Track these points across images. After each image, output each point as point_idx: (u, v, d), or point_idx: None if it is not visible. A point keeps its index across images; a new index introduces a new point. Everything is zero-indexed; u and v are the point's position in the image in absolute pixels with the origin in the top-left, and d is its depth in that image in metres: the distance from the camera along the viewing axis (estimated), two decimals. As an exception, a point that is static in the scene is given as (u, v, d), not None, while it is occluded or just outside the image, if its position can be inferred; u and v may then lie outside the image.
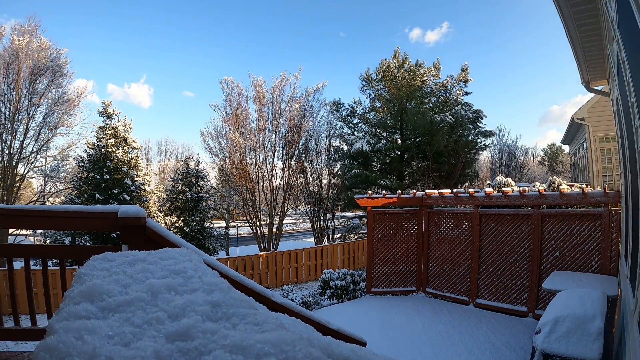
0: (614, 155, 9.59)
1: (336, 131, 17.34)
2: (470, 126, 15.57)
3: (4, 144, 12.00)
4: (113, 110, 13.18)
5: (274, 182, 16.07)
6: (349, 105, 17.21)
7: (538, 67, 50.31)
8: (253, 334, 0.67)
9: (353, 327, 3.05)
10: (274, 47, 43.89)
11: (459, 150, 14.71)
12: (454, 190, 7.33)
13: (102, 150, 12.52)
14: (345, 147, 16.42)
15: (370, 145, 14.69)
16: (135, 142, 13.54)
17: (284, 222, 17.49)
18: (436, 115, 14.41)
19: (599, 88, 6.34)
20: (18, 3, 23.84)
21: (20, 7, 26.20)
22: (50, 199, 14.69)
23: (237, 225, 21.82)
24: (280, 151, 16.34)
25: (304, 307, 4.10)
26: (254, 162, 15.83)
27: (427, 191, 7.76)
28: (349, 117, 17.19)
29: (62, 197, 14.19)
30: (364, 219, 14.81)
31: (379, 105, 16.61)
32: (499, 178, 7.92)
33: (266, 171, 16.04)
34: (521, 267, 6.20)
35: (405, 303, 7.12)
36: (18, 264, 2.46)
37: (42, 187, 15.06)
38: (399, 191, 8.31)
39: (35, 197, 15.38)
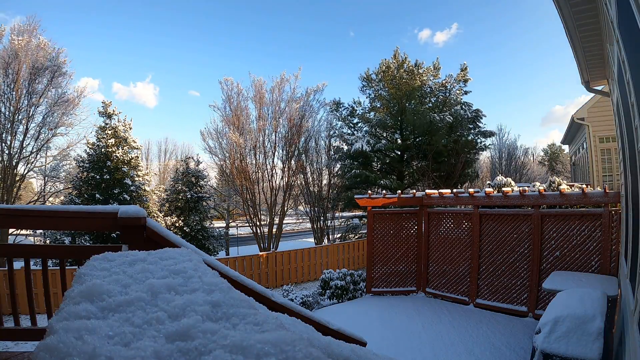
0: (614, 155, 9.59)
1: (336, 131, 17.36)
2: (470, 126, 15.58)
3: (4, 144, 12.00)
4: (113, 110, 13.18)
5: (274, 182, 16.07)
6: (349, 105, 17.23)
7: (539, 66, 50.27)
8: (253, 334, 0.67)
9: (353, 327, 3.05)
10: (275, 46, 43.96)
11: (459, 150, 14.72)
12: (454, 190, 7.33)
13: (102, 150, 12.52)
14: (345, 147, 16.43)
15: (370, 145, 14.70)
16: (135, 142, 13.54)
17: (284, 222, 17.49)
18: (436, 115, 14.42)
19: (599, 88, 6.34)
20: (21, 1, 23.88)
21: (23, 5, 26.30)
22: (50, 199, 14.69)
23: (237, 225, 21.82)
24: (280, 151, 16.37)
25: (304, 307, 4.10)
26: (254, 162, 15.83)
27: (427, 191, 7.76)
28: (349, 117, 17.20)
29: (62, 197, 14.19)
30: (364, 219, 14.81)
31: (378, 105, 16.62)
32: (499, 178, 7.92)
33: (266, 171, 16.04)
34: (521, 267, 6.20)
35: (405, 303, 7.12)
36: (18, 264, 2.46)
37: (42, 187, 15.07)
38: (399, 191, 8.31)
39: (35, 197, 15.39)
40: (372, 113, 16.69)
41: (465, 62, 16.09)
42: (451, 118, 14.49)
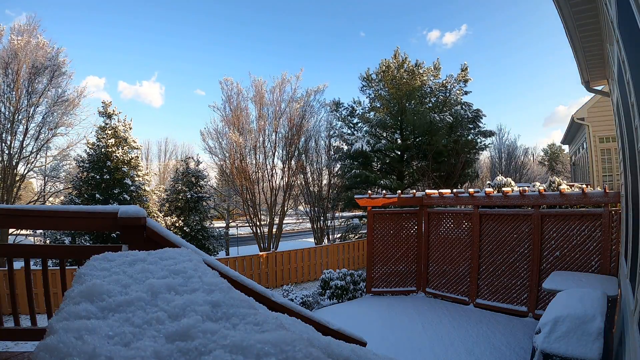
0: (614, 155, 9.59)
1: (336, 131, 17.37)
2: (470, 126, 15.59)
3: (4, 144, 12.00)
4: (113, 110, 13.18)
5: (274, 182, 16.07)
6: (349, 105, 17.24)
7: (541, 66, 50.28)
8: (253, 334, 0.67)
9: (353, 327, 3.05)
10: (276, 45, 43.99)
11: (459, 150, 14.72)
12: (454, 190, 7.33)
13: (102, 150, 12.52)
14: (345, 147, 16.43)
15: (370, 145, 14.70)
16: (135, 142, 13.54)
17: (284, 222, 17.49)
18: (436, 115, 14.43)
19: (599, 88, 6.34)
20: (24, 0, 23.90)
21: (29, 3, 26.36)
22: (50, 199, 14.70)
23: (237, 225, 21.82)
24: (280, 151, 16.37)
25: (304, 307, 4.10)
26: (254, 162, 15.83)
27: (427, 191, 7.76)
28: (349, 117, 17.21)
29: (62, 197, 14.19)
30: (364, 219, 14.81)
31: (378, 105, 16.62)
32: (499, 178, 7.92)
33: (266, 171, 16.04)
34: (521, 267, 6.20)
35: (405, 303, 7.12)
36: (18, 264, 2.46)
37: (42, 187, 15.07)
38: (399, 191, 8.31)
39: (35, 197, 15.39)
40: (372, 113, 16.69)
41: (465, 62, 16.11)
42: (451, 118, 14.50)
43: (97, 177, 12.18)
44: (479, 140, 16.00)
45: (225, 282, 0.98)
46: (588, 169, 11.03)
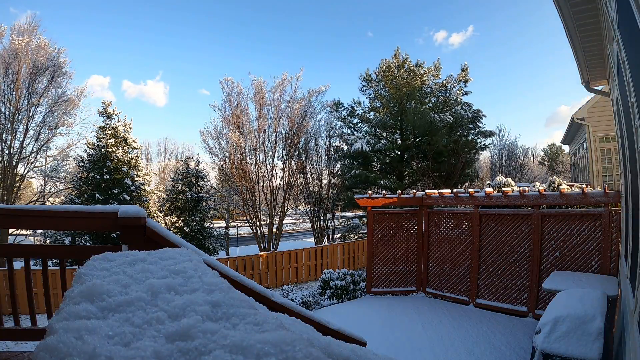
0: (614, 155, 9.59)
1: (336, 131, 17.37)
2: (470, 126, 15.59)
3: (4, 144, 12.00)
4: (113, 110, 13.18)
5: (274, 182, 16.07)
6: (349, 105, 17.24)
7: (541, 66, 50.21)
8: (253, 334, 0.67)
9: (353, 327, 3.05)
10: (277, 45, 43.85)
11: (459, 150, 14.72)
12: (454, 190, 7.33)
13: (102, 150, 12.52)
14: (345, 147, 16.43)
15: (370, 145, 14.70)
16: (135, 142, 13.54)
17: (284, 222, 17.49)
18: (436, 115, 14.43)
19: (599, 88, 6.34)
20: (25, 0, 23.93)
21: (32, 2, 26.38)
22: (50, 199, 14.70)
23: (237, 225, 21.82)
24: (281, 151, 16.36)
25: (304, 307, 4.10)
26: (254, 162, 15.83)
27: (427, 191, 7.76)
28: (349, 117, 17.21)
29: (62, 197, 14.19)
30: (364, 219, 14.81)
31: (378, 105, 16.63)
32: (499, 178, 7.92)
33: (266, 171, 16.04)
34: (521, 267, 6.20)
35: (405, 303, 7.12)
36: (18, 264, 2.46)
37: (42, 187, 15.07)
38: (399, 191, 8.31)
39: (35, 197, 15.38)
40: (372, 113, 16.70)
41: (466, 62, 16.12)
42: (451, 118, 14.50)
43: (97, 177, 12.18)
44: (479, 141, 16.01)
45: (225, 282, 0.98)
46: (588, 169, 11.03)
